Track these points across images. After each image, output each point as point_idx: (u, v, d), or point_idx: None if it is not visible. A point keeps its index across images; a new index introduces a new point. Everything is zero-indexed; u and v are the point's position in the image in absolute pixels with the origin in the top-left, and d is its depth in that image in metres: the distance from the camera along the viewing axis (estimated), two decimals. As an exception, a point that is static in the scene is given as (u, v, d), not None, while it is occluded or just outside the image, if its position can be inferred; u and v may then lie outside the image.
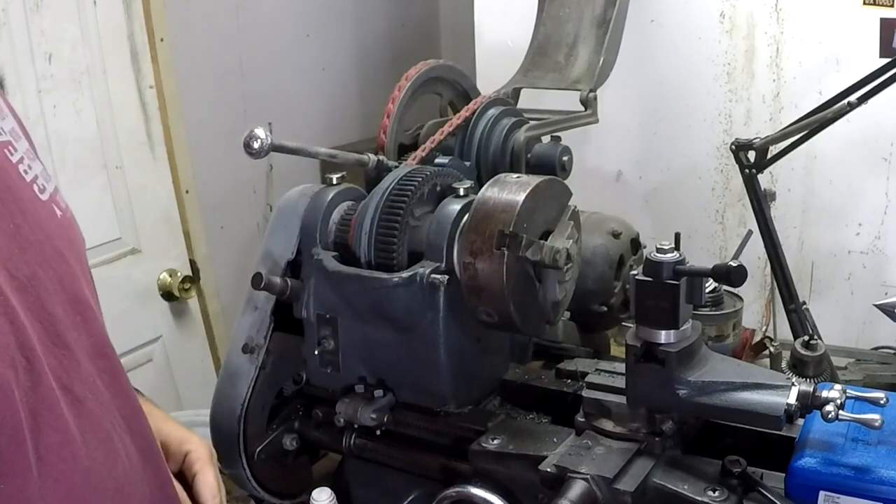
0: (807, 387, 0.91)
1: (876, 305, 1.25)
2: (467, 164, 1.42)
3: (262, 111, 2.50)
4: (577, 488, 0.92)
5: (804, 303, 1.73)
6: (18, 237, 0.76)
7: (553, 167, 1.48)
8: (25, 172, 0.81)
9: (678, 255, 0.93)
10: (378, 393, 1.14)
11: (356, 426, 1.17)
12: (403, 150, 1.42)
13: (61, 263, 0.80)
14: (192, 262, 2.25)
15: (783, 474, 0.92)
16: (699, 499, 0.91)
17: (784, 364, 1.59)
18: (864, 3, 1.96)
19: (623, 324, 1.51)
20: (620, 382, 1.02)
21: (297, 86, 2.67)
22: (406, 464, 1.19)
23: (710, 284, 1.53)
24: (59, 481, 0.73)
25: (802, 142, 1.66)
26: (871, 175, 2.06)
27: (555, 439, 1.05)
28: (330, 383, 1.19)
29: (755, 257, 1.95)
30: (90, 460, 0.77)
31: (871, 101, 1.52)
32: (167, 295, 2.18)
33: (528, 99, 1.73)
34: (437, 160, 1.35)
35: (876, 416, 0.86)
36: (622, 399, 1.01)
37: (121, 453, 0.82)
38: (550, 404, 1.17)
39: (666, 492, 0.94)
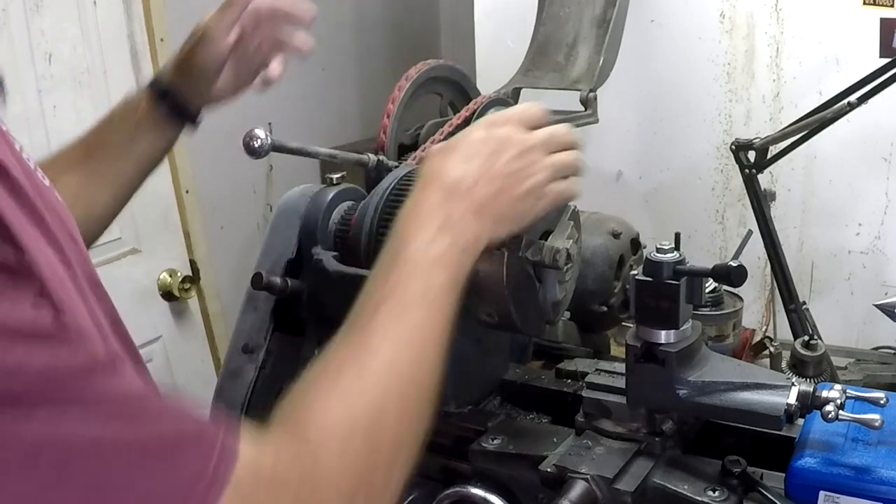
0: (807, 387, 0.91)
1: (876, 305, 1.25)
2: (467, 164, 1.41)
3: (262, 111, 2.50)
4: (577, 488, 0.92)
5: (804, 303, 1.73)
6: (49, 231, 0.74)
7: (553, 167, 1.47)
8: (28, 159, 0.77)
9: (678, 255, 0.93)
10: (378, 393, 1.14)
11: (356, 426, 1.17)
12: (403, 150, 1.42)
13: (78, 248, 0.79)
14: (192, 262, 2.25)
15: (783, 474, 0.92)
16: (699, 499, 0.91)
17: (784, 364, 1.59)
18: (864, 3, 1.96)
19: (623, 324, 1.51)
20: (620, 382, 1.02)
21: (297, 86, 2.66)
22: (406, 464, 1.19)
23: (710, 284, 1.53)
24: None
25: (802, 142, 1.66)
26: (871, 175, 2.06)
27: (555, 439, 1.05)
28: (330, 383, 1.19)
29: (755, 257, 1.95)
30: None
31: (871, 101, 1.52)
32: (167, 295, 2.17)
33: (528, 99, 1.73)
34: (436, 160, 1.35)
35: (876, 416, 0.86)
36: (622, 399, 1.01)
37: None
38: (550, 404, 1.17)
39: (666, 492, 0.94)
